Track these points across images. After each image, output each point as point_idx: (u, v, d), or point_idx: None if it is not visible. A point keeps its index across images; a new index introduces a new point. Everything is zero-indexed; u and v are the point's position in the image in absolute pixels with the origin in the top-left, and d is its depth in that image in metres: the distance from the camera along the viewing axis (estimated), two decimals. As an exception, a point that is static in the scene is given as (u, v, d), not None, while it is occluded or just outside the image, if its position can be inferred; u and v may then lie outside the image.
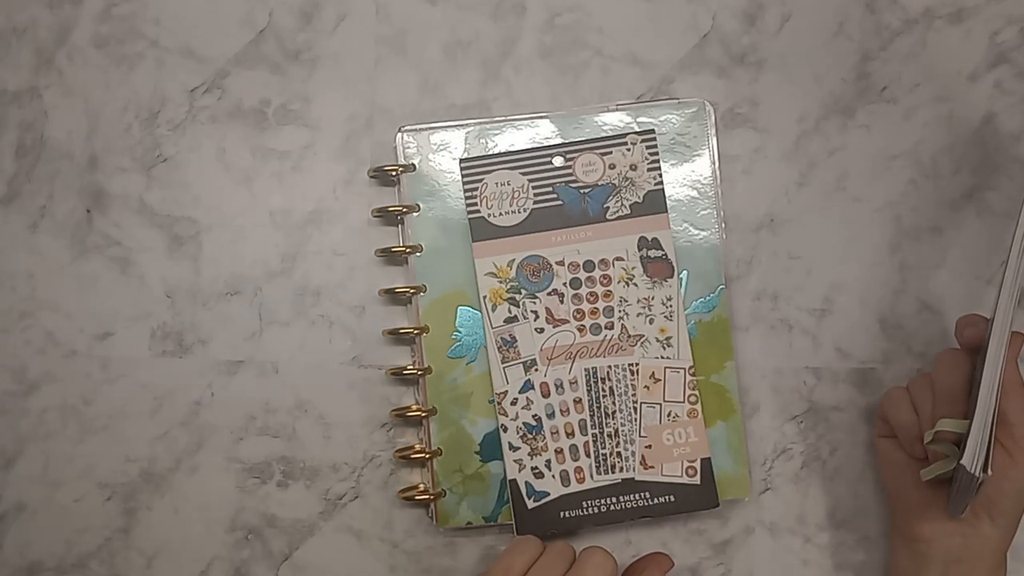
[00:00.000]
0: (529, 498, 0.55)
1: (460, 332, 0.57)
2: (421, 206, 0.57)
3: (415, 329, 0.57)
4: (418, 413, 0.56)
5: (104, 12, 0.59)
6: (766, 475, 0.58)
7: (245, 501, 0.58)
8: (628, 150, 0.57)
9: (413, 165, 0.57)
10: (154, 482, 0.58)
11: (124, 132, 0.58)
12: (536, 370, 0.56)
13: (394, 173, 0.57)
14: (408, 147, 0.57)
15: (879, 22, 0.59)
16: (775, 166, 0.59)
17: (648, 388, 0.56)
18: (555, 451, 0.55)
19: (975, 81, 0.59)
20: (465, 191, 0.56)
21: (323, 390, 0.58)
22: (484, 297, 0.56)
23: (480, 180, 0.56)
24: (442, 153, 0.57)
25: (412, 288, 0.57)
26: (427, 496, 0.56)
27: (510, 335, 0.56)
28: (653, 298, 0.56)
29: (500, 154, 0.57)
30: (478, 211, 0.56)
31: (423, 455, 0.57)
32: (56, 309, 0.58)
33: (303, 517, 0.58)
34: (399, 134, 0.57)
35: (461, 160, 0.56)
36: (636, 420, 0.56)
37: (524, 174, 0.56)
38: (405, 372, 0.57)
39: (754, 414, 0.58)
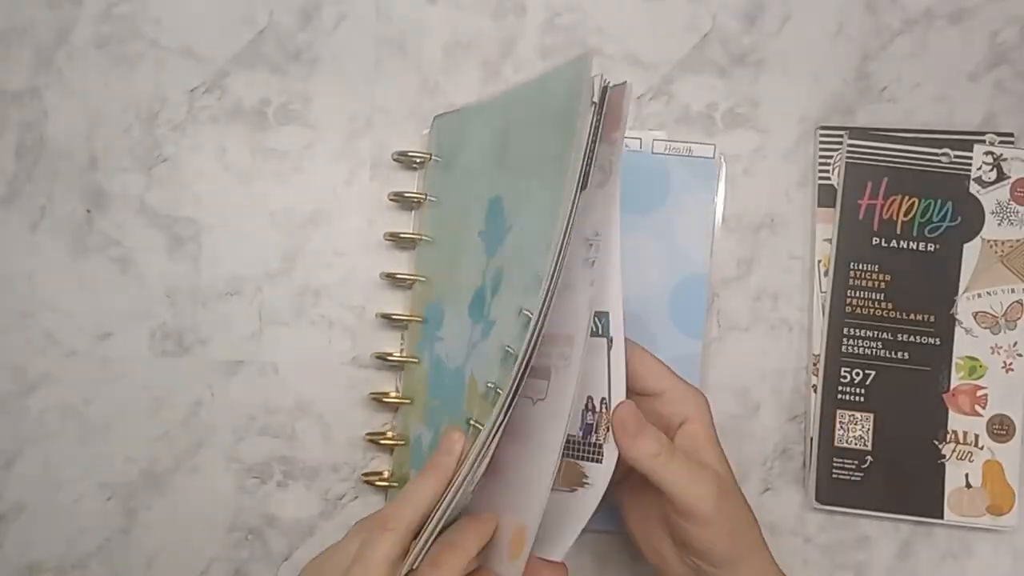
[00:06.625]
0: None
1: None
2: (434, 199, 0.57)
3: (407, 317, 0.57)
4: (397, 399, 0.57)
5: (104, 12, 0.59)
6: (766, 475, 0.58)
7: (245, 501, 0.58)
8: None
9: (432, 156, 0.57)
10: (154, 482, 0.58)
11: (124, 132, 0.58)
12: None
13: (418, 160, 0.57)
14: (435, 137, 0.57)
15: (879, 22, 0.59)
16: (775, 166, 0.59)
17: None
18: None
19: (975, 81, 0.59)
20: (820, 157, 0.58)
21: (323, 390, 0.58)
22: (818, 261, 0.58)
23: (836, 151, 0.58)
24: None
25: (413, 276, 0.57)
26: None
27: None
28: None
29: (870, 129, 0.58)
30: (828, 179, 0.58)
31: (391, 443, 0.57)
32: (56, 309, 0.58)
33: (303, 517, 0.58)
34: (435, 121, 0.57)
35: (819, 128, 0.58)
36: None
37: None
38: (389, 358, 0.57)
39: (754, 414, 0.58)
